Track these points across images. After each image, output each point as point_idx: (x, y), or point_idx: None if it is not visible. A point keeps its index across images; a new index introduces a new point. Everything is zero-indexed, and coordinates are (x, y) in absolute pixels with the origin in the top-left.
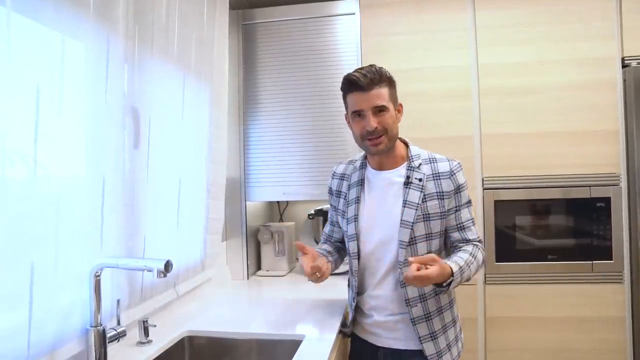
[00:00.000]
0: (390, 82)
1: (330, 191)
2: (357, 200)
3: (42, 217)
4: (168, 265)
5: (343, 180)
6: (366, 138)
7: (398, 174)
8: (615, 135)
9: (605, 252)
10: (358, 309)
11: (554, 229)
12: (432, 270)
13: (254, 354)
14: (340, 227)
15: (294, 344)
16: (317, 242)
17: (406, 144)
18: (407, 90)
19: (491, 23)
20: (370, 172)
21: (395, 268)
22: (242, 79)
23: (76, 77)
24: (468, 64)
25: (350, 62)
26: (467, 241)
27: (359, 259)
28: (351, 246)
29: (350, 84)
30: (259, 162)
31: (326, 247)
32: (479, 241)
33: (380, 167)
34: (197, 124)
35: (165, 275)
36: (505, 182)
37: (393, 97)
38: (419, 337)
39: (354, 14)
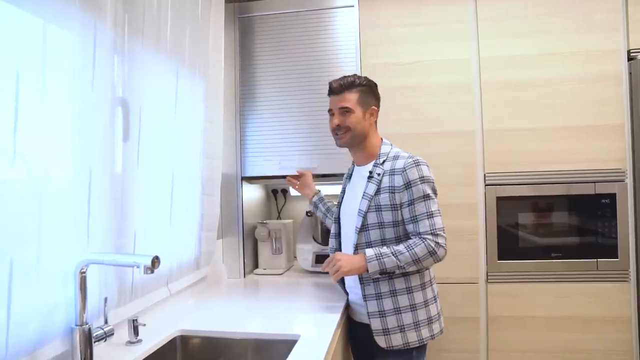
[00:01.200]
0: (363, 90)
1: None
2: (343, 190)
3: (23, 211)
4: (155, 261)
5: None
6: (335, 132)
7: (367, 170)
8: (620, 130)
9: (610, 250)
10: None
11: (558, 226)
12: (337, 259)
13: (248, 354)
14: None
15: (290, 344)
16: (315, 240)
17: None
18: (406, 84)
19: (493, 15)
20: (355, 167)
21: (352, 250)
22: (238, 73)
23: (60, 66)
24: (469, 57)
25: (348, 56)
26: (418, 234)
27: (339, 239)
28: (333, 227)
29: (329, 89)
30: (256, 139)
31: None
32: (433, 233)
33: (357, 163)
34: (191, 118)
35: (152, 272)
36: (507, 178)
37: (362, 102)
38: (368, 313)
39: (352, 6)
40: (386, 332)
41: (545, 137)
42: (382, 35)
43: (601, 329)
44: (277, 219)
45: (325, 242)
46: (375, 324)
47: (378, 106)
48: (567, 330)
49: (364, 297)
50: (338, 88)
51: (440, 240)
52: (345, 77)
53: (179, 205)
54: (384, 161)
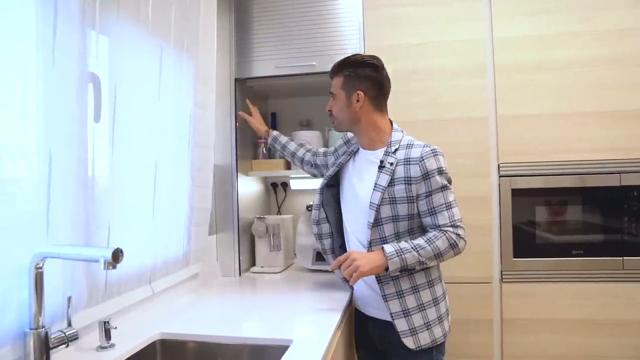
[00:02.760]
0: (345, 74)
1: (334, 148)
2: (339, 165)
3: None
4: (118, 255)
5: (346, 144)
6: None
7: (376, 156)
8: None
9: (637, 247)
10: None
11: (579, 221)
12: (353, 258)
13: None
14: (318, 167)
15: (282, 350)
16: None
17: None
18: (414, 67)
19: None
20: (360, 149)
21: (364, 246)
22: (234, 56)
23: (15, 34)
24: (482, 38)
25: (351, 38)
26: (437, 227)
27: (340, 228)
28: (316, 198)
29: None
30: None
31: (296, 144)
32: (452, 225)
33: (363, 147)
34: (178, 102)
35: (114, 267)
36: (523, 169)
37: (346, 87)
38: (391, 314)
39: None
40: (413, 331)
41: (566, 124)
42: (387, 16)
43: (627, 334)
44: (277, 213)
45: None
46: (401, 325)
47: (369, 89)
48: (589, 335)
49: (384, 297)
50: (330, 73)
51: (461, 232)
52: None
53: (163, 196)
54: (396, 149)
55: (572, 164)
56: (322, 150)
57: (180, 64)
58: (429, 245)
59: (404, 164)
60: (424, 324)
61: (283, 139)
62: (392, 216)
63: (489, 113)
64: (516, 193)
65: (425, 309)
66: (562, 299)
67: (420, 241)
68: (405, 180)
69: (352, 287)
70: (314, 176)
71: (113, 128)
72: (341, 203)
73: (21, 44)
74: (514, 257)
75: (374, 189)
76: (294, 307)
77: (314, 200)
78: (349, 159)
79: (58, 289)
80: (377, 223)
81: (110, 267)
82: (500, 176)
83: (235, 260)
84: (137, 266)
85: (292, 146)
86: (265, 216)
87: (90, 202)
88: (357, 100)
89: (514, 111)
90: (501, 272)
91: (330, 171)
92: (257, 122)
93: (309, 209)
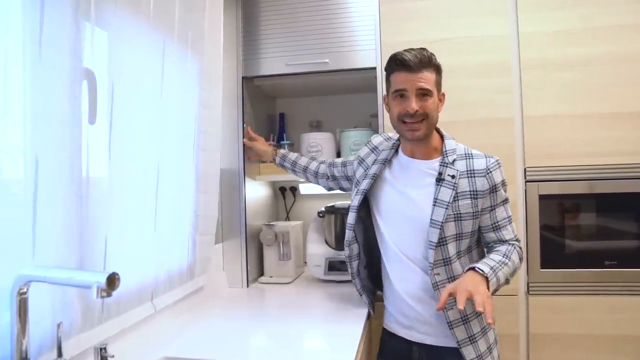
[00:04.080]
0: (437, 69)
1: (359, 157)
2: (374, 177)
3: None
4: (113, 280)
5: (373, 152)
6: (403, 120)
7: (430, 167)
8: None
9: None
10: (385, 299)
11: (612, 229)
12: (465, 285)
13: None
14: (336, 179)
15: None
16: (328, 244)
17: (442, 136)
18: None
19: None
20: (401, 156)
21: (425, 268)
22: (241, 54)
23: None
24: (507, 33)
25: (366, 33)
26: (503, 242)
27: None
28: (351, 217)
29: (398, 63)
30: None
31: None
32: (517, 240)
33: (412, 155)
34: (182, 101)
35: (109, 294)
36: (552, 174)
37: (438, 85)
38: (457, 342)
39: None
40: (480, 358)
41: (597, 126)
42: (405, 9)
43: None
44: (286, 220)
45: (339, 247)
46: (469, 353)
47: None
48: (623, 352)
49: (449, 324)
50: (417, 63)
51: (522, 245)
52: (415, 50)
53: (166, 204)
54: (453, 160)
55: (604, 168)
56: (339, 160)
57: (184, 60)
58: (509, 260)
59: (468, 177)
60: (487, 348)
61: (292, 155)
62: (457, 234)
63: (514, 113)
64: (544, 199)
65: (486, 332)
66: (594, 313)
67: (498, 257)
68: (471, 195)
69: (371, 304)
70: (330, 189)
71: (110, 129)
72: (378, 217)
73: (2, 36)
74: (542, 268)
75: (434, 205)
76: (308, 323)
77: (348, 219)
78: (384, 168)
79: (46, 313)
80: (440, 242)
81: (105, 295)
82: (526, 181)
83: (242, 270)
84: (138, 282)
85: (303, 161)
86: (274, 223)
87: (85, 211)
88: (440, 101)
89: (542, 111)
90: (527, 283)
91: (365, 184)
92: (261, 144)
93: (320, 215)
